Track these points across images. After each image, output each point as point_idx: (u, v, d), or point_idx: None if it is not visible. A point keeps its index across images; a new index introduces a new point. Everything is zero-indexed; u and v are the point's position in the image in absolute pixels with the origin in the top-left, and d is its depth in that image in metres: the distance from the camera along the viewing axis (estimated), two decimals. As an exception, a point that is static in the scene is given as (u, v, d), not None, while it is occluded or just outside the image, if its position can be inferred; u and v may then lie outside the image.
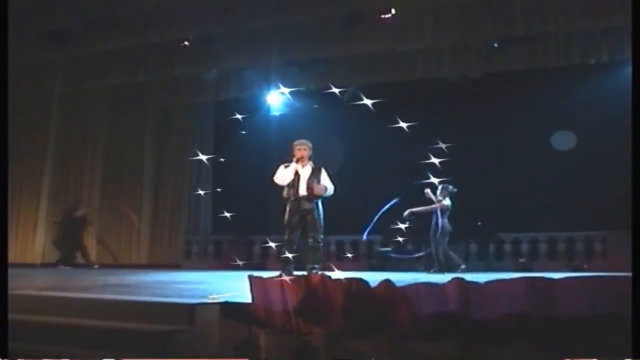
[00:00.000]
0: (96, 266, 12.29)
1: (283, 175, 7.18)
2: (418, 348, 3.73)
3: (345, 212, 10.70)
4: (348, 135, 12.48)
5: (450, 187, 10.25)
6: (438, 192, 10.25)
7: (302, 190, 7.08)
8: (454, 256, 10.30)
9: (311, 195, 7.05)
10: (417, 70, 11.52)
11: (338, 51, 11.27)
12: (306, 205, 7.07)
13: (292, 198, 7.12)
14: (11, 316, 4.29)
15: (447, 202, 10.26)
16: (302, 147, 7.23)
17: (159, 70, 12.16)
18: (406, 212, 10.27)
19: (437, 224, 10.13)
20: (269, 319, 4.23)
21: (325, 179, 7.23)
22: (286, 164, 7.21)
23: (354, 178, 11.08)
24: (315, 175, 7.15)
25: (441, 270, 9.89)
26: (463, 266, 10.10)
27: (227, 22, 10.82)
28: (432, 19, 10.29)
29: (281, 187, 7.26)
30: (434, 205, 10.19)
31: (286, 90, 12.61)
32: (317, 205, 7.13)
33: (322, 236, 7.18)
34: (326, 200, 7.32)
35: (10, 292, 4.74)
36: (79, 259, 12.52)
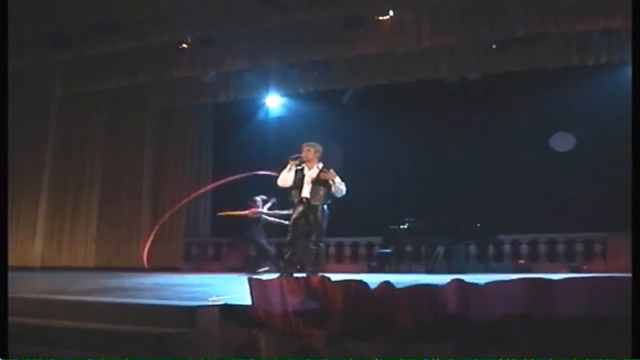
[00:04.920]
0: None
1: (282, 177, 7.16)
2: (418, 350, 3.73)
3: (345, 213, 10.68)
4: (348, 137, 12.47)
5: (274, 199, 10.68)
6: (268, 204, 10.77)
7: (305, 193, 6.99)
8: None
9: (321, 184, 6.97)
10: (416, 71, 11.51)
11: (337, 53, 11.26)
12: (310, 208, 6.96)
13: (296, 200, 7.06)
14: (11, 319, 4.29)
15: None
16: (306, 148, 7.13)
17: (158, 73, 12.14)
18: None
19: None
20: (268, 321, 4.23)
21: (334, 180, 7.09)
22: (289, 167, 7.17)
23: (354, 180, 11.06)
24: (320, 176, 7.02)
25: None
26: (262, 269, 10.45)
27: (225, 24, 10.81)
28: (430, 20, 10.28)
29: (289, 190, 7.20)
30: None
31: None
32: (322, 208, 7.01)
33: (323, 239, 7.11)
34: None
35: (10, 295, 4.74)
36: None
